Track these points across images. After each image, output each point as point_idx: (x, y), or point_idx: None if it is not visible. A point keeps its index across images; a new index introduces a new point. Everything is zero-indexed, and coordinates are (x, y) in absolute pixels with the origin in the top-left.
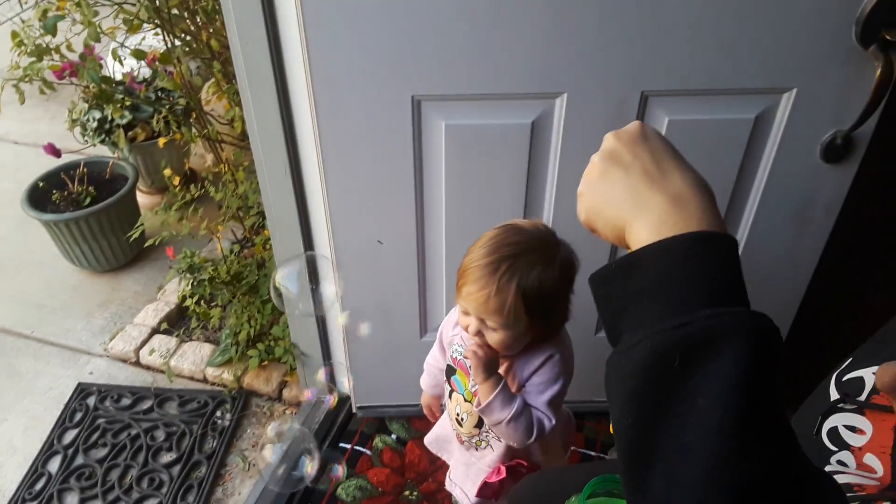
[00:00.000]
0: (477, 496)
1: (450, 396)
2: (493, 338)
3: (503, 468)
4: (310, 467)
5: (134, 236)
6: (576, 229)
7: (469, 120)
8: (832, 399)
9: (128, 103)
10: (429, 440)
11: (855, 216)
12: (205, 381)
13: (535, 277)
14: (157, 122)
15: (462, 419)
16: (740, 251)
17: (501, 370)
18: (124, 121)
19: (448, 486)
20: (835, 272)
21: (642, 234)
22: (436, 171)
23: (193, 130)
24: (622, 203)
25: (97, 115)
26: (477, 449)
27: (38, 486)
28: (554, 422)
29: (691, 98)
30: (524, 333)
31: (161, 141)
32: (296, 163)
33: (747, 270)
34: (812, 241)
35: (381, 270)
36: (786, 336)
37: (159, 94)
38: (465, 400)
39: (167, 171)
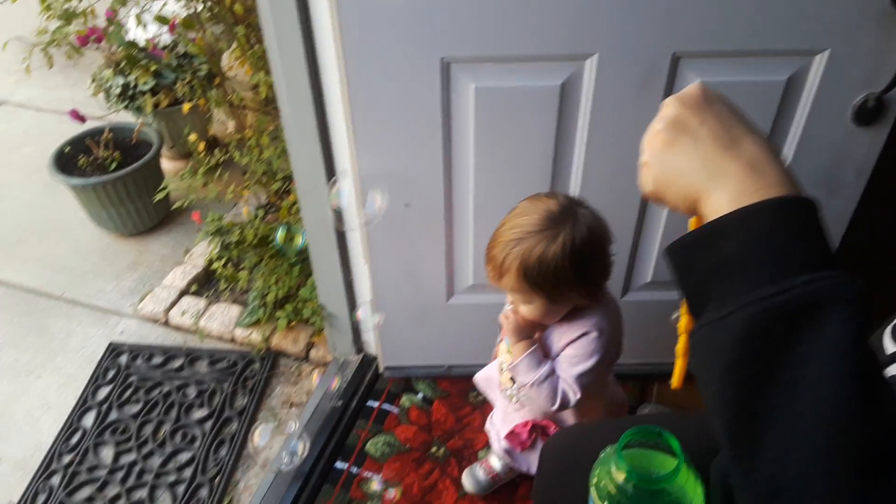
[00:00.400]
0: (505, 439)
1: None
2: (522, 309)
3: (531, 422)
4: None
5: (158, 198)
6: (604, 193)
7: (498, 82)
8: (889, 352)
9: (152, 68)
10: (478, 377)
11: (886, 179)
12: (233, 341)
13: (535, 260)
14: (181, 89)
15: (503, 368)
16: None
17: (536, 336)
18: (147, 87)
19: (487, 426)
20: (865, 236)
21: (722, 204)
22: (464, 133)
23: (216, 95)
24: (695, 173)
25: (120, 81)
26: (510, 402)
27: (74, 439)
28: (579, 395)
29: (723, 60)
30: (552, 307)
31: (185, 107)
32: (324, 126)
33: None
34: (843, 204)
35: (409, 233)
36: None
37: (181, 60)
38: (507, 351)
39: (192, 137)
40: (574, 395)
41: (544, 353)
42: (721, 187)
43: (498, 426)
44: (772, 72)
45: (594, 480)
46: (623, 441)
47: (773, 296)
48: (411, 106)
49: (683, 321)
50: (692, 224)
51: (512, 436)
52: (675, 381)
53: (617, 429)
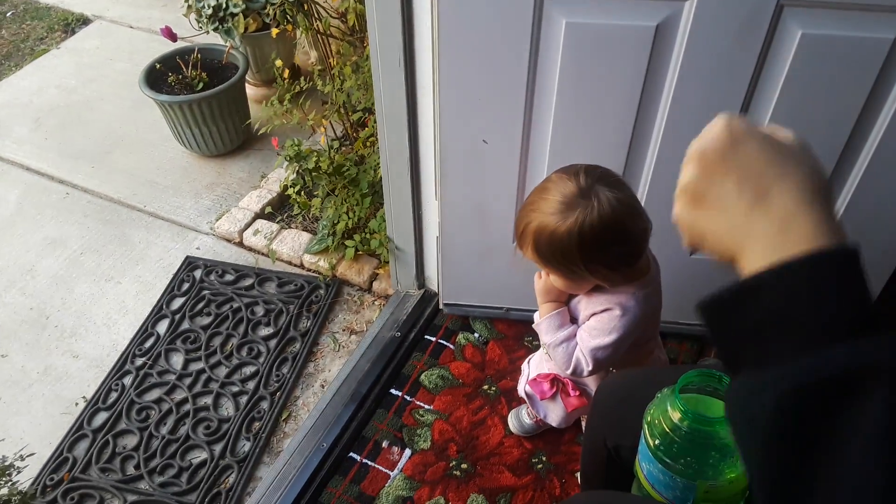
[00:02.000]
0: (528, 383)
1: None
2: (551, 276)
3: (554, 375)
4: None
5: (246, 123)
6: (686, 145)
7: (591, 19)
8: None
9: None
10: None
11: None
12: (301, 266)
13: (546, 240)
14: (271, 12)
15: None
16: (854, 186)
17: (563, 300)
18: (238, 9)
19: (523, 365)
20: None
21: (753, 263)
22: (550, 72)
23: (304, 21)
24: (723, 237)
25: (212, 2)
26: (543, 351)
27: (148, 344)
28: (591, 367)
29: (829, 11)
30: (571, 283)
31: (274, 31)
32: (410, 55)
33: (862, 204)
34: None
35: (483, 170)
36: None
37: None
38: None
39: (278, 63)
40: (587, 367)
41: (571, 318)
42: (751, 248)
43: (530, 369)
44: (880, 28)
45: (648, 418)
46: (682, 382)
47: (811, 369)
48: (499, 38)
49: None
50: None
51: (535, 383)
52: None
53: (675, 374)
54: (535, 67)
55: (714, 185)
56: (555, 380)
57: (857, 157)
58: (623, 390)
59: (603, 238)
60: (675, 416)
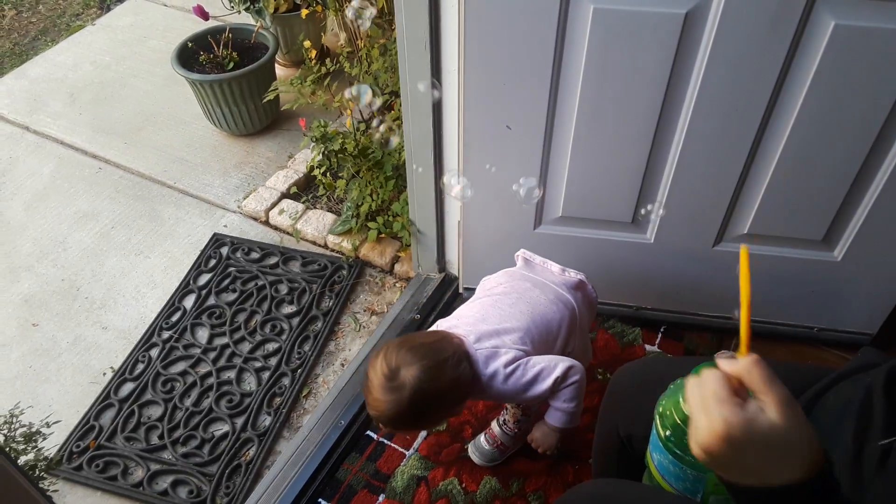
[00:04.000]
0: None
1: None
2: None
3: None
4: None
5: (269, 97)
6: (713, 137)
7: (619, 5)
8: None
9: None
10: None
11: None
12: (325, 247)
13: (389, 422)
14: None
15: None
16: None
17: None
18: None
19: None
20: None
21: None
22: (576, 57)
23: (333, 1)
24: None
25: None
26: None
27: (174, 317)
28: (563, 372)
29: (865, 2)
30: (456, 407)
31: (304, 12)
32: (436, 38)
33: (890, 203)
34: None
35: (506, 156)
36: None
37: None
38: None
39: (307, 44)
40: (570, 377)
41: (535, 414)
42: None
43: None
44: None
45: (660, 409)
46: (696, 372)
47: None
48: (526, 23)
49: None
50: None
51: None
52: (743, 348)
53: (691, 365)
54: (561, 53)
55: (735, 461)
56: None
57: (886, 155)
58: (637, 380)
59: (426, 406)
60: (687, 407)
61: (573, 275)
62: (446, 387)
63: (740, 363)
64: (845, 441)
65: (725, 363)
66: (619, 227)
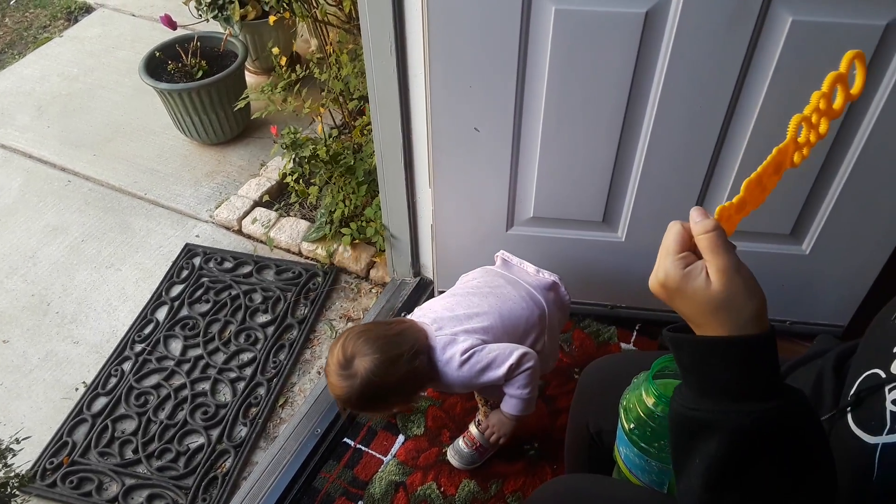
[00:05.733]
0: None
1: None
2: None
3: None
4: None
5: (240, 105)
6: (678, 132)
7: (580, 5)
8: None
9: None
10: None
11: None
12: (299, 254)
13: (353, 402)
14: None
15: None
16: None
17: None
18: None
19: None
20: None
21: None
22: (540, 59)
23: (301, 8)
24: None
25: None
26: None
27: (147, 330)
28: (512, 358)
29: None
30: (408, 400)
31: (271, 18)
32: (401, 42)
33: (854, 194)
34: None
35: (475, 158)
36: None
37: None
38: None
39: (275, 50)
40: (522, 364)
41: (494, 401)
42: (702, 329)
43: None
44: (872, 15)
45: (624, 403)
46: (655, 368)
47: (690, 409)
48: (489, 25)
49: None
50: (719, 209)
51: None
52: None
53: (654, 358)
54: (526, 55)
55: (672, 303)
56: None
57: (849, 147)
58: (605, 375)
59: (375, 394)
60: (650, 400)
61: (547, 276)
62: (396, 381)
63: (700, 225)
64: None
65: (693, 219)
66: (590, 226)
